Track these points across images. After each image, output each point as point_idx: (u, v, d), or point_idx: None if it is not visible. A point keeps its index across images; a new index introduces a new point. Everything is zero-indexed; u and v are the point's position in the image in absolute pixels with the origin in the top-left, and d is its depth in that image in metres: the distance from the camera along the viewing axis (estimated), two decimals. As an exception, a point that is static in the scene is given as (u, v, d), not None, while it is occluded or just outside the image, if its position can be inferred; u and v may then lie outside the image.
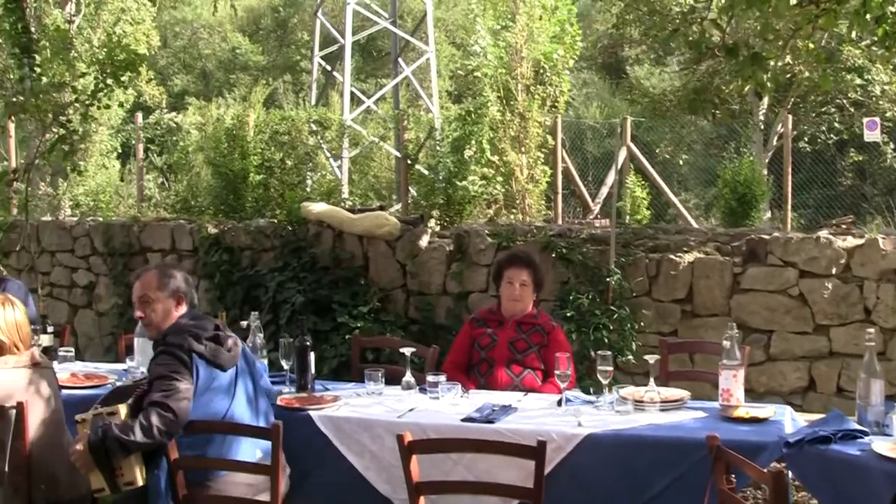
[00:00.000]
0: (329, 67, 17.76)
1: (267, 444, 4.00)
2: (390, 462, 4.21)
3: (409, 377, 4.98)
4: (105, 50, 7.97)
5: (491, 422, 4.32)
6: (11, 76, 8.02)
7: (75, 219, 10.37)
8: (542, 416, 4.48)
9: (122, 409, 4.00)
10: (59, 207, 12.34)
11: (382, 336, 7.90)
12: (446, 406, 4.64)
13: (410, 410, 4.57)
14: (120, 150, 14.92)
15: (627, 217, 10.14)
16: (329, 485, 4.50)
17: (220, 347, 4.17)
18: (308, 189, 11.08)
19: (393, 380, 5.06)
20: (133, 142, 13.12)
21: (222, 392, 4.17)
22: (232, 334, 4.32)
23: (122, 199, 13.30)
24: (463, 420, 4.38)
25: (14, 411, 4.08)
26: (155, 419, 3.90)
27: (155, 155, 13.68)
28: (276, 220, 9.61)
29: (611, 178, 12.79)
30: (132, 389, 4.22)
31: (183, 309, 4.39)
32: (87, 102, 7.99)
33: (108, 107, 8.81)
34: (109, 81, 7.91)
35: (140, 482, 3.97)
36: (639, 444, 4.11)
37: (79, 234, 10.25)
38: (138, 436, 3.88)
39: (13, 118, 9.23)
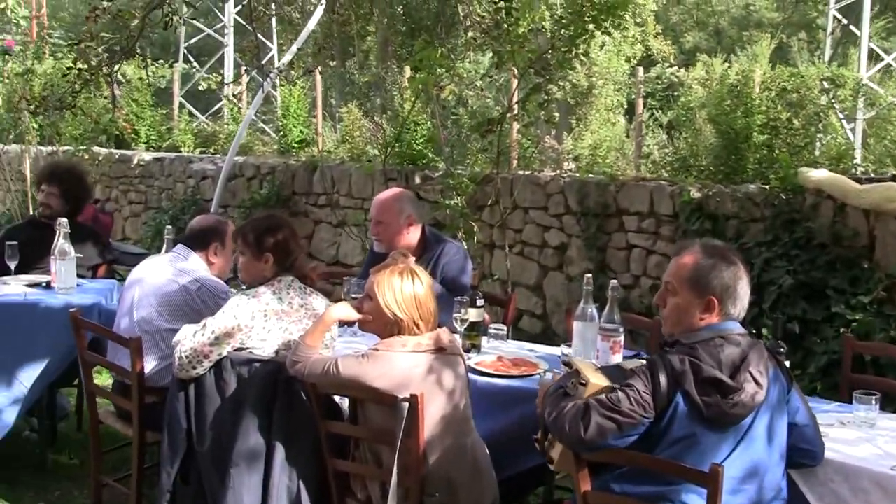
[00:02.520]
0: (846, 21, 16.23)
1: None
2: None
3: (911, 409, 3.78)
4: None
5: None
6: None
7: (550, 174, 9.92)
8: None
9: (594, 386, 3.15)
10: (560, 161, 12.12)
11: (883, 341, 6.52)
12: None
13: (912, 459, 3.39)
14: (626, 106, 14.54)
15: None
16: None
17: (719, 401, 3.07)
18: (817, 153, 9.82)
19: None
20: (634, 97, 12.55)
21: (707, 449, 3.10)
22: (758, 379, 3.12)
23: (624, 155, 12.86)
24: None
25: (407, 404, 3.47)
26: (568, 421, 3.09)
27: (658, 111, 13.13)
28: (767, 187, 8.47)
29: None
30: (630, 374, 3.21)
31: (714, 319, 3.25)
32: (563, 49, 7.44)
33: (586, 54, 8.22)
34: (590, 27, 7.27)
35: (556, 467, 3.25)
36: None
37: (553, 191, 9.75)
38: (549, 420, 3.17)
39: (499, 67, 9.00)
